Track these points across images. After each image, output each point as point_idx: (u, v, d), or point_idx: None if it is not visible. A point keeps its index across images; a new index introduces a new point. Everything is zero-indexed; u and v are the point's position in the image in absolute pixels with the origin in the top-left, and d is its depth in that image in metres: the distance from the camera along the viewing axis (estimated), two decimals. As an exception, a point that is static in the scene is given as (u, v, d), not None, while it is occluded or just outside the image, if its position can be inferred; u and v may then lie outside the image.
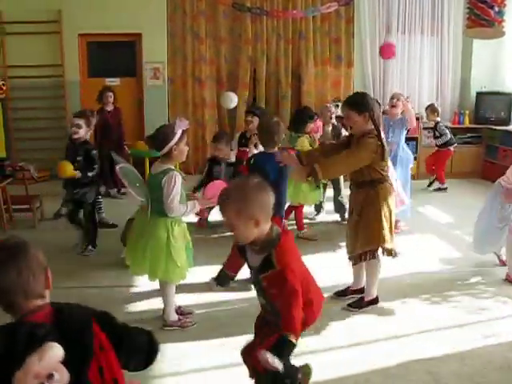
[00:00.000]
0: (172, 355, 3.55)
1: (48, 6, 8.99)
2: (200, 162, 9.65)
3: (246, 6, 9.16)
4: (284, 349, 2.30)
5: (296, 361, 3.19)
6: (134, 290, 4.56)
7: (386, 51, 8.37)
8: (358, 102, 3.97)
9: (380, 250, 4.03)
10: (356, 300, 4.26)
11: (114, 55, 9.72)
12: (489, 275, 4.98)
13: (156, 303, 4.21)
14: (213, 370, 3.39)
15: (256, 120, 6.16)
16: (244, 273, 4.17)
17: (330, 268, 4.91)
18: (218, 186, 3.89)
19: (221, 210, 2.42)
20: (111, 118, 7.73)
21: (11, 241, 1.78)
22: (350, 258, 4.22)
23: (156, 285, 4.02)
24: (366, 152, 3.82)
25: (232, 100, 7.34)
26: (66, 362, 1.53)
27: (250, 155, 5.22)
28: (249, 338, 3.74)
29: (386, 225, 3.96)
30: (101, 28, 9.09)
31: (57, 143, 9.12)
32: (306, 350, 3.47)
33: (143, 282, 4.38)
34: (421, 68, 9.99)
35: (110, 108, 7.82)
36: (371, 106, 3.94)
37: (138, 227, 3.92)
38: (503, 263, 5.07)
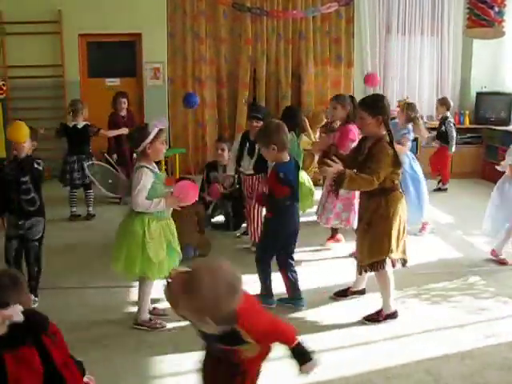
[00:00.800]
0: (172, 355, 3.55)
1: (48, 6, 8.99)
2: (200, 162, 9.66)
3: (246, 6, 9.16)
4: (304, 353, 2.37)
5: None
6: (131, 290, 4.54)
7: (372, 80, 8.65)
8: (373, 104, 3.87)
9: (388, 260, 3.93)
10: (373, 313, 4.07)
11: (114, 55, 9.73)
12: (489, 275, 4.98)
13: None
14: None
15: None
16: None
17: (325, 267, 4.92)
18: (185, 185, 3.93)
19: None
20: (126, 123, 7.58)
21: None
22: (358, 268, 4.11)
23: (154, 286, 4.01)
24: (381, 175, 3.70)
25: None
26: None
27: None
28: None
29: (394, 235, 3.84)
30: (101, 28, 9.10)
31: (57, 143, 9.15)
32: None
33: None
34: (421, 68, 9.99)
35: (123, 113, 7.74)
36: (386, 110, 3.85)
37: (120, 224, 3.96)
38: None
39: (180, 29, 9.48)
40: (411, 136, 6.04)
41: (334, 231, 5.73)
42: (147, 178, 3.71)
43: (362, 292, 4.41)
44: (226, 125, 9.78)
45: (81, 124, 6.78)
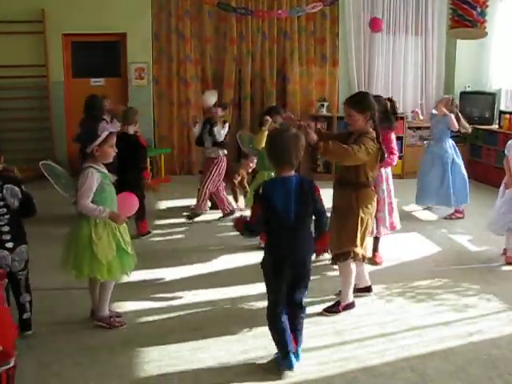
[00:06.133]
0: (158, 357, 3.54)
1: (31, 5, 8.90)
2: (185, 161, 9.65)
3: (231, 6, 9.15)
4: None
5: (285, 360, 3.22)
6: (116, 291, 4.52)
7: (375, 24, 8.74)
8: (361, 101, 3.99)
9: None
10: (332, 305, 4.20)
11: (99, 55, 9.67)
12: (474, 273, 5.02)
13: (137, 304, 4.20)
14: (197, 371, 3.39)
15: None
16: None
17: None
18: (126, 198, 3.96)
19: None
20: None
21: None
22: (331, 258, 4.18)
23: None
24: (361, 152, 3.77)
25: (213, 96, 7.32)
26: None
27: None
28: (232, 338, 3.77)
29: (360, 229, 3.97)
30: (85, 28, 9.04)
31: (41, 144, 9.10)
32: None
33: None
34: (405, 67, 10.04)
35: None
36: (373, 107, 3.96)
37: (71, 228, 3.93)
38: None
39: (165, 29, 9.45)
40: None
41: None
42: (93, 178, 3.70)
43: (368, 289, 4.47)
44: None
45: None
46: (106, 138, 3.76)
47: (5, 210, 3.55)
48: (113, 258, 3.77)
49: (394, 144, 5.13)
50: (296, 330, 3.38)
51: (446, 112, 6.68)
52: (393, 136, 5.11)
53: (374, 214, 4.17)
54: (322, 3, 9.04)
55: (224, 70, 9.62)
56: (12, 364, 2.42)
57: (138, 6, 9.19)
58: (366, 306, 4.28)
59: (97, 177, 3.72)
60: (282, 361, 3.32)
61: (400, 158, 8.08)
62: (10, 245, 3.59)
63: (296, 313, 3.39)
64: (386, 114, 4.93)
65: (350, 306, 4.20)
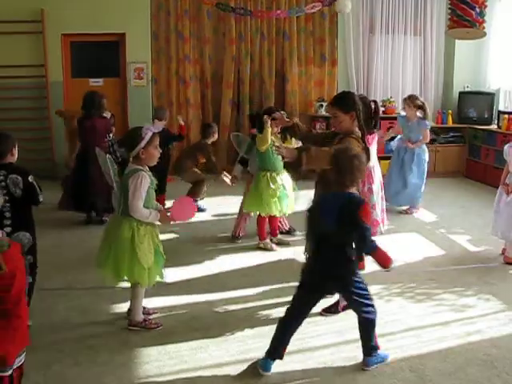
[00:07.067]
0: (157, 357, 3.55)
1: (31, 5, 8.89)
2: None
3: (229, 6, 9.16)
4: None
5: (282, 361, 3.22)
6: (117, 291, 4.53)
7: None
8: (345, 101, 3.96)
9: None
10: (331, 305, 4.18)
11: (98, 55, 9.65)
12: (472, 273, 5.03)
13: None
14: (196, 371, 3.40)
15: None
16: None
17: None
18: (183, 204, 3.91)
19: None
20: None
21: None
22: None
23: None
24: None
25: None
26: None
27: None
28: (231, 338, 3.78)
29: None
30: (84, 28, 9.03)
31: (40, 144, 9.09)
32: (291, 349, 3.48)
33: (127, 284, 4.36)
34: (404, 68, 10.05)
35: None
36: (358, 106, 3.93)
37: (107, 227, 3.93)
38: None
39: (164, 29, 9.46)
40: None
41: None
42: (146, 181, 3.68)
43: None
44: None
45: None
46: (151, 139, 3.71)
47: (7, 197, 3.76)
48: (152, 263, 3.76)
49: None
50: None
51: (420, 115, 6.89)
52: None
53: None
54: (320, 3, 9.04)
55: (223, 70, 9.63)
56: (8, 373, 2.41)
57: (136, 5, 9.18)
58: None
59: (148, 181, 3.70)
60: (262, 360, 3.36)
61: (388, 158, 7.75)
62: (8, 229, 3.75)
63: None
64: (370, 116, 4.92)
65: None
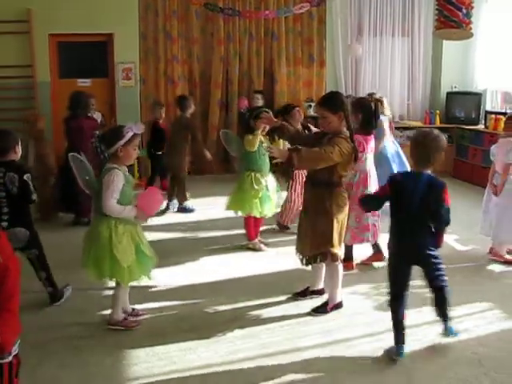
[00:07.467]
0: (145, 358, 3.54)
1: (17, 4, 8.84)
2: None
3: (218, 6, 9.17)
4: None
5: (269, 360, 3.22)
6: (106, 292, 4.51)
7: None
8: (333, 102, 3.96)
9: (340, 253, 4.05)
10: (320, 305, 4.21)
11: (86, 56, 9.60)
12: (460, 272, 5.05)
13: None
14: (186, 372, 3.39)
15: None
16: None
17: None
18: (150, 194, 3.90)
19: None
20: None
21: None
22: (300, 259, 4.18)
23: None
24: (335, 153, 3.75)
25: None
26: None
27: None
28: (220, 339, 3.78)
29: (336, 230, 3.95)
30: (72, 28, 8.97)
31: (27, 145, 9.02)
32: (284, 349, 3.49)
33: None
34: (392, 68, 10.10)
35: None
36: (346, 106, 3.94)
37: (89, 227, 3.93)
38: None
39: (152, 29, 9.44)
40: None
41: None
42: (119, 179, 3.67)
43: (321, 292, 4.42)
44: (198, 124, 9.74)
45: None
46: (131, 138, 3.71)
47: (4, 194, 4.01)
48: (133, 262, 3.74)
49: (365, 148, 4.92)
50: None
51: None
52: (363, 140, 4.89)
53: (347, 213, 4.13)
54: (309, 4, 9.08)
55: (211, 71, 9.63)
56: (8, 360, 2.41)
57: (124, 6, 9.15)
58: (355, 306, 4.30)
59: (122, 178, 3.69)
60: (394, 348, 3.56)
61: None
62: (4, 224, 4.01)
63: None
64: (370, 117, 4.93)
65: (338, 305, 4.22)
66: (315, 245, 4.00)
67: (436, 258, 3.54)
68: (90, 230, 3.88)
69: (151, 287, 4.65)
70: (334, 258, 4.01)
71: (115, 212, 3.67)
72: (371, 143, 5.07)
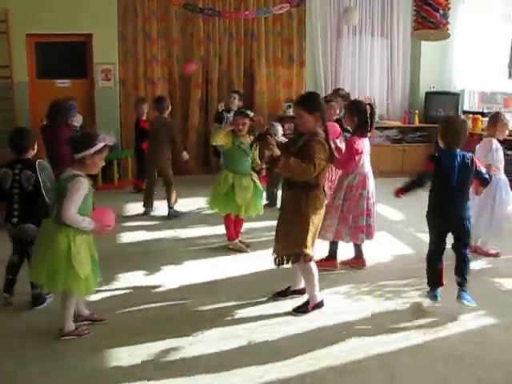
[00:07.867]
0: (127, 361, 3.52)
1: (-6, 5, 8.75)
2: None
3: (197, 6, 9.15)
4: None
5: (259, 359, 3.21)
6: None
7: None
8: (309, 102, 4.01)
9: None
10: (301, 305, 4.22)
11: (64, 56, 9.52)
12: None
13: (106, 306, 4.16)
14: (167, 372, 3.38)
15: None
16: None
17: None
18: (104, 212, 3.84)
19: None
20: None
21: None
22: (274, 260, 4.18)
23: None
24: (316, 169, 3.79)
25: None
26: None
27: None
28: (200, 339, 3.77)
29: (311, 230, 3.97)
30: (50, 28, 8.89)
31: (5, 147, 8.91)
32: (265, 349, 3.49)
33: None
34: (371, 69, 10.16)
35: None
36: (322, 107, 4.00)
37: (40, 234, 3.79)
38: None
39: (131, 29, 9.38)
40: None
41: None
42: (84, 188, 3.58)
43: (302, 291, 4.42)
44: (178, 125, 9.71)
45: None
46: (101, 149, 3.65)
47: (18, 190, 4.12)
48: (89, 272, 3.68)
49: (357, 150, 4.89)
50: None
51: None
52: (361, 142, 4.93)
53: (323, 215, 4.16)
54: (288, 4, 9.11)
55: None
56: None
57: (103, 6, 9.09)
58: (335, 306, 4.31)
59: (86, 187, 3.60)
60: (430, 293, 4.31)
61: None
62: (15, 220, 4.15)
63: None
64: (366, 120, 4.94)
65: (319, 305, 4.23)
66: (287, 246, 4.03)
67: (470, 229, 4.24)
68: (43, 238, 3.71)
69: (132, 288, 4.64)
70: (307, 258, 4.02)
71: (74, 222, 3.55)
72: (367, 146, 5.09)
